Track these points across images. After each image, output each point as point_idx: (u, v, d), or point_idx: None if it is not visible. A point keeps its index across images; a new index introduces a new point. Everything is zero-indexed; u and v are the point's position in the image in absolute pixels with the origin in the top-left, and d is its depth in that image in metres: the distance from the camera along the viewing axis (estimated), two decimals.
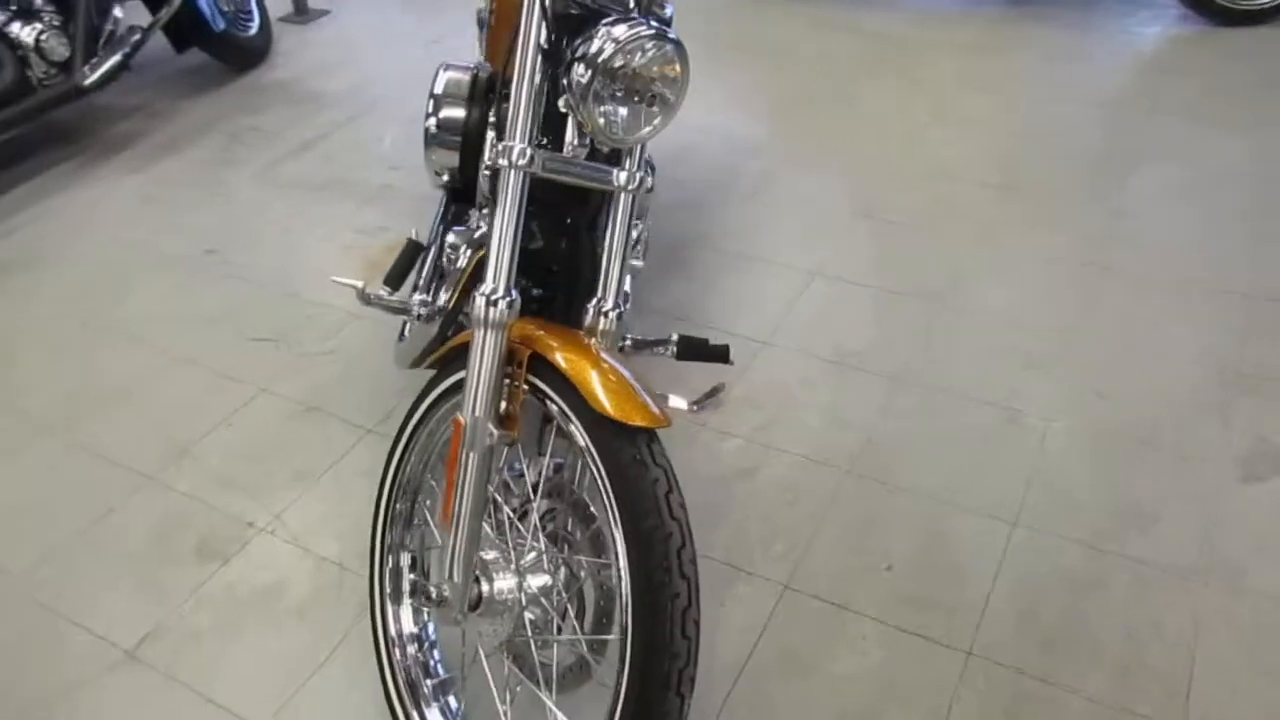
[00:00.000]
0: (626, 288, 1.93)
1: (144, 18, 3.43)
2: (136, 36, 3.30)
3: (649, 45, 1.31)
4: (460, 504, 1.34)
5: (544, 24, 1.34)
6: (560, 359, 1.30)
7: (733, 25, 4.23)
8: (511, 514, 1.44)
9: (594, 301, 1.45)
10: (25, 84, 3.07)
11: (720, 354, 2.02)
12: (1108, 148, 3.16)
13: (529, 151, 1.32)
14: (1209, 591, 1.74)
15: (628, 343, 1.86)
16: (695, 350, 1.99)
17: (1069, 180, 3.00)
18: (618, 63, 1.30)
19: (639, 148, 1.44)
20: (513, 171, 1.32)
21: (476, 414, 1.32)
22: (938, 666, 1.65)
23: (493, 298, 1.31)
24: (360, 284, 1.69)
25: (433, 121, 1.76)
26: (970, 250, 2.69)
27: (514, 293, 1.33)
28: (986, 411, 2.15)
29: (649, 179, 1.47)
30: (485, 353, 1.32)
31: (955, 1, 4.34)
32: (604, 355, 1.34)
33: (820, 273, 2.62)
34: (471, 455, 1.33)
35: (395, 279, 1.74)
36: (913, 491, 1.97)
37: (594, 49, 1.29)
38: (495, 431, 1.33)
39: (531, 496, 1.42)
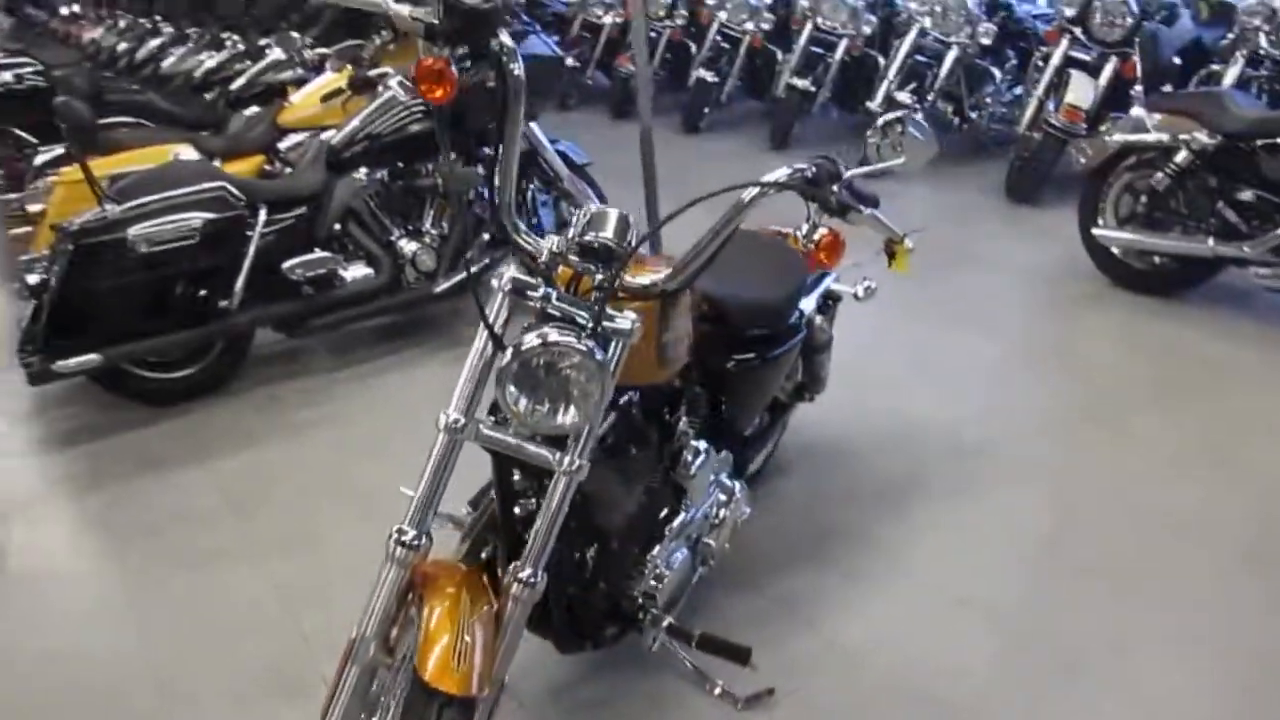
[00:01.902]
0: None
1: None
2: (486, 260, 4.07)
3: (575, 356, 1.48)
4: (333, 711, 1.53)
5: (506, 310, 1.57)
6: (426, 611, 1.46)
7: (1048, 320, 4.08)
8: None
9: (513, 565, 1.59)
10: (396, 284, 3.92)
11: (739, 655, 2.01)
12: None
13: (461, 420, 1.54)
14: None
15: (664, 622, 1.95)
16: (712, 644, 2.01)
17: None
18: (539, 360, 1.48)
19: (585, 436, 1.58)
20: (443, 434, 1.54)
21: (365, 633, 1.51)
22: None
23: (401, 537, 1.52)
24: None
25: None
26: (1159, 620, 2.32)
27: (423, 538, 1.52)
28: None
29: (584, 467, 1.58)
30: (385, 581, 1.52)
31: None
32: (473, 620, 1.47)
33: (961, 602, 2.42)
34: (352, 668, 1.52)
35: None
36: None
37: (524, 341, 1.48)
38: (374, 652, 1.51)
39: None
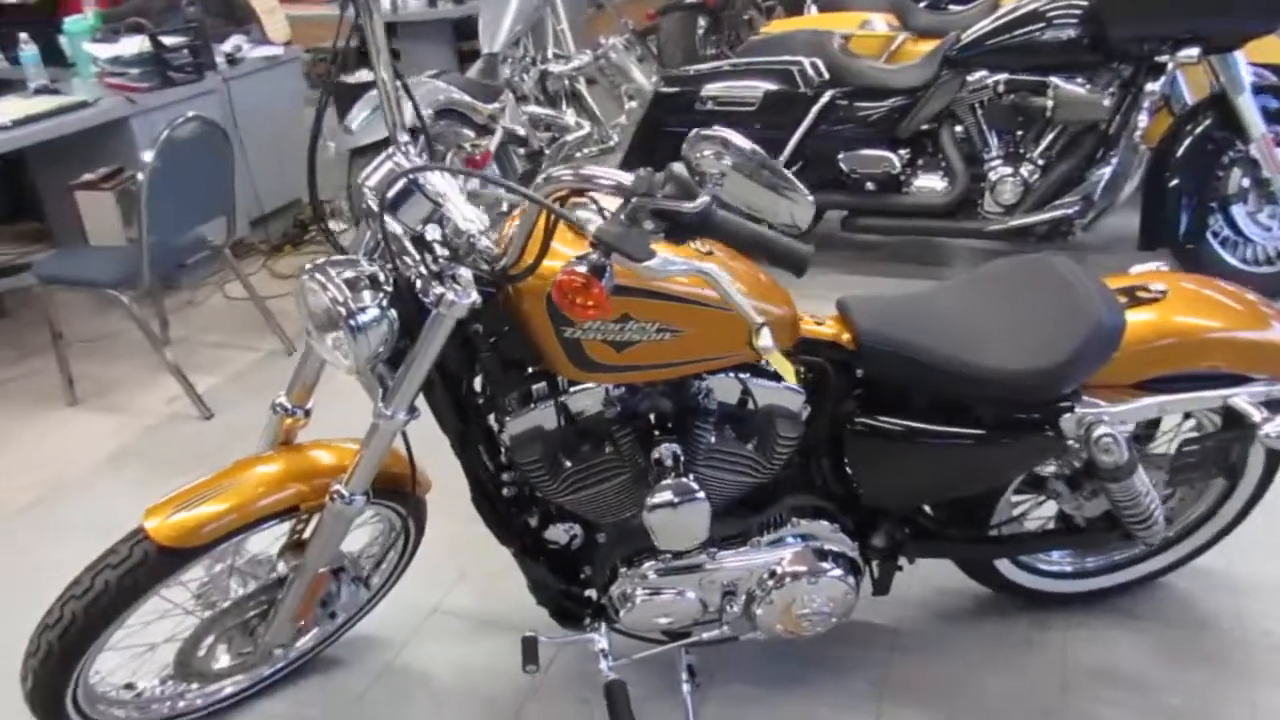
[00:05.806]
0: None
1: None
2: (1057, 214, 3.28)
3: (337, 308, 1.37)
4: None
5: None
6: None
7: None
8: None
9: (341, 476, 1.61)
10: (968, 206, 3.46)
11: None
12: None
13: None
14: None
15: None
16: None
17: None
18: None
19: (398, 386, 1.46)
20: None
21: None
22: None
23: (274, 401, 1.69)
24: None
25: None
26: None
27: (297, 411, 1.67)
28: None
29: (400, 419, 1.47)
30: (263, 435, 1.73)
31: None
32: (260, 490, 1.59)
33: None
34: None
35: None
36: None
37: (329, 262, 1.42)
38: None
39: None
